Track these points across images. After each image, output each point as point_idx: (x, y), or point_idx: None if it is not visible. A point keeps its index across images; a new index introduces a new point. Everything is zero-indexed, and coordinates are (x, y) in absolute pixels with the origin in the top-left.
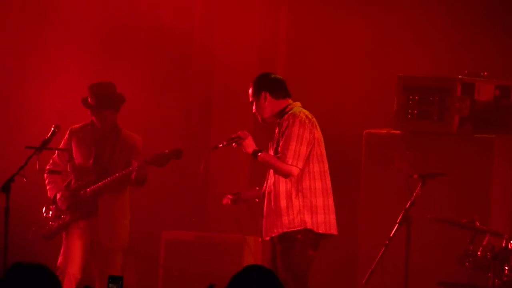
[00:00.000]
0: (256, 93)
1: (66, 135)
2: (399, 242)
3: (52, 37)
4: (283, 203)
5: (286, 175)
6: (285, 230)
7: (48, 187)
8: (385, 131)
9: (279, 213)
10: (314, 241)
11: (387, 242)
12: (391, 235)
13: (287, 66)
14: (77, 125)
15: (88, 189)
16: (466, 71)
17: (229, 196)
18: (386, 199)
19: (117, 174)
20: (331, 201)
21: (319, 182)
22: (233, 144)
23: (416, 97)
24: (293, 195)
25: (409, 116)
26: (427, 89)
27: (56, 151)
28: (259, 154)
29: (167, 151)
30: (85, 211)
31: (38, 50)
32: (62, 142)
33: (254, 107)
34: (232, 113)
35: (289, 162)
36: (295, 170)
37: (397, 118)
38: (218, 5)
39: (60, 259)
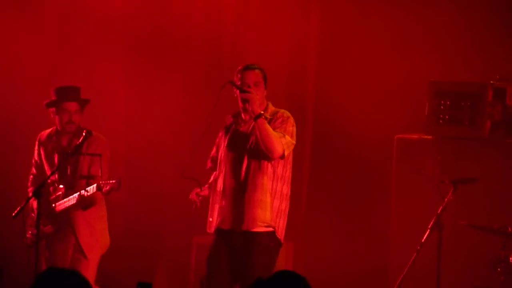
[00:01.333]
0: (264, 80)
1: (36, 145)
2: (430, 247)
3: (82, 43)
4: (267, 197)
5: (276, 152)
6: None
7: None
8: (416, 136)
9: (264, 207)
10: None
11: (418, 247)
12: (423, 240)
13: (318, 71)
14: (45, 132)
15: (57, 205)
16: (497, 76)
17: (196, 199)
18: (418, 205)
19: (77, 195)
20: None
21: (287, 188)
22: (243, 93)
23: (448, 102)
24: (273, 194)
25: (441, 121)
26: (459, 94)
27: (33, 159)
28: (261, 118)
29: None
30: (59, 225)
31: (69, 56)
32: (35, 152)
33: (253, 91)
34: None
35: (283, 143)
36: (284, 153)
37: (429, 123)
38: (248, 9)
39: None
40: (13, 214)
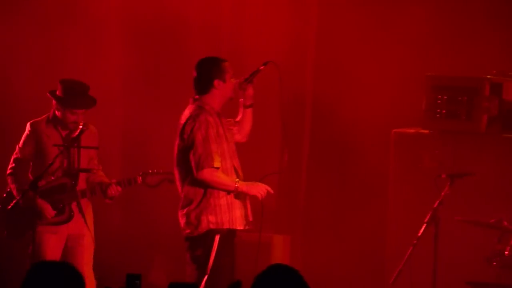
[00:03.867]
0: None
1: (28, 131)
2: (427, 241)
3: (76, 36)
4: None
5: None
6: None
7: (12, 186)
8: (413, 131)
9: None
10: None
11: (415, 241)
12: (419, 234)
13: (316, 65)
14: (38, 119)
15: (67, 197)
16: (494, 71)
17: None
18: (415, 199)
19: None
20: None
21: None
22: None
23: (445, 97)
24: None
25: (438, 115)
26: (456, 89)
27: (17, 146)
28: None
29: (161, 171)
30: (64, 219)
31: (63, 50)
32: (24, 138)
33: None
34: (259, 112)
35: None
36: None
37: (426, 118)
38: (246, 7)
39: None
40: (9, 207)
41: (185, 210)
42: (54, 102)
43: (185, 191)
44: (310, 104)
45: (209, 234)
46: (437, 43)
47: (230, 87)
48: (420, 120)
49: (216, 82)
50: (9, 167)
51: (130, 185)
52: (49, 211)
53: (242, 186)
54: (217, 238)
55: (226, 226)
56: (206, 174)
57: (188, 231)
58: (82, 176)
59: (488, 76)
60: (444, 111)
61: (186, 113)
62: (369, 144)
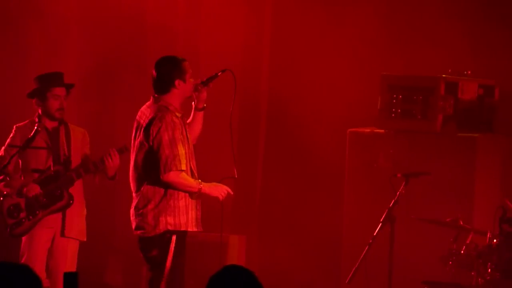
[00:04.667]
0: None
1: (13, 133)
2: (383, 241)
3: (35, 35)
4: None
5: None
6: None
7: (8, 185)
8: (369, 130)
9: None
10: None
11: (370, 241)
12: (375, 234)
13: (271, 66)
14: (22, 123)
15: (62, 182)
16: (449, 70)
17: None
18: (370, 198)
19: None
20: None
21: None
22: (208, 83)
23: (400, 96)
24: None
25: (393, 115)
26: (411, 88)
27: (3, 147)
28: None
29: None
30: (64, 204)
31: (22, 49)
32: (9, 141)
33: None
34: (214, 113)
35: None
36: None
37: (381, 117)
38: (202, 4)
39: (24, 258)
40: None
41: (140, 210)
42: (34, 101)
43: (144, 191)
44: (265, 105)
45: (166, 235)
46: (393, 42)
47: (190, 87)
48: (375, 119)
49: (177, 82)
50: None
51: (122, 153)
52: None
53: (205, 187)
54: (173, 238)
55: (183, 228)
56: (173, 176)
57: (142, 231)
58: (75, 164)
59: (444, 75)
60: (400, 110)
61: (148, 112)
62: (325, 144)
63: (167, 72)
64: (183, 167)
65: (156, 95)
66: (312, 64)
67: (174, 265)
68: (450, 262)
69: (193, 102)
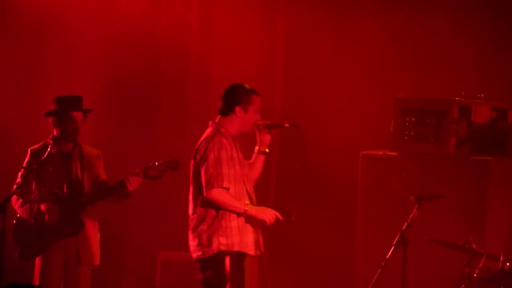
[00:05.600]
0: None
1: (28, 157)
2: (395, 264)
3: (51, 53)
4: None
5: None
6: None
7: (24, 207)
8: (381, 153)
9: None
10: None
11: (383, 264)
12: (388, 257)
13: (284, 88)
14: (37, 146)
15: (74, 208)
16: (463, 93)
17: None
18: (383, 221)
19: (110, 188)
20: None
21: None
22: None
23: (413, 119)
24: None
25: (406, 137)
26: (424, 111)
27: (21, 171)
28: None
29: (162, 161)
30: (75, 229)
31: (37, 67)
32: (25, 165)
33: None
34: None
35: None
36: None
37: (394, 140)
38: (215, 21)
39: (37, 281)
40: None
41: (196, 232)
42: (50, 120)
43: (198, 212)
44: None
45: (219, 256)
46: (405, 64)
47: (250, 120)
48: (388, 142)
49: (238, 108)
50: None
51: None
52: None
53: (251, 209)
54: (227, 259)
55: (236, 248)
56: (215, 193)
57: (199, 253)
58: (88, 189)
59: (457, 98)
60: (412, 133)
61: (203, 135)
62: (337, 166)
63: (232, 96)
64: (225, 185)
65: (216, 120)
66: (325, 86)
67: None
68: (463, 286)
69: (256, 146)
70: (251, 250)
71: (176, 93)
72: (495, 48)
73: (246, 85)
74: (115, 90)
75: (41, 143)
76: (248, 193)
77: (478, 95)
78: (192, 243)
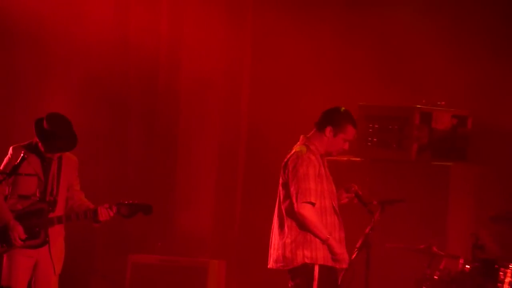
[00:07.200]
0: None
1: (10, 155)
2: (359, 267)
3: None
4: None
5: None
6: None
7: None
8: (345, 158)
9: None
10: None
11: (347, 267)
12: (351, 259)
13: (252, 90)
14: (22, 144)
15: (43, 222)
16: (424, 101)
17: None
18: (346, 225)
19: (77, 214)
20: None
21: None
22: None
23: (376, 125)
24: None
25: (369, 143)
26: (387, 118)
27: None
28: None
29: (137, 202)
30: (38, 243)
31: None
32: (6, 162)
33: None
34: (198, 136)
35: None
36: None
37: (358, 146)
38: (184, 26)
39: (5, 282)
40: None
41: (281, 243)
42: (34, 132)
43: (284, 226)
44: (245, 133)
45: (305, 267)
46: (370, 72)
47: (337, 145)
48: (351, 148)
49: (328, 129)
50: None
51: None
52: (20, 234)
53: (333, 242)
54: (316, 269)
55: (320, 261)
56: (304, 208)
57: (281, 264)
58: (61, 203)
59: (418, 106)
60: (375, 139)
61: (293, 149)
62: None
63: (330, 116)
64: (313, 200)
65: (308, 135)
66: (290, 91)
67: None
68: (424, 287)
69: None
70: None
71: (145, 97)
72: (455, 57)
73: (349, 113)
74: (86, 95)
75: (25, 144)
76: (334, 209)
77: (439, 103)
78: (275, 254)
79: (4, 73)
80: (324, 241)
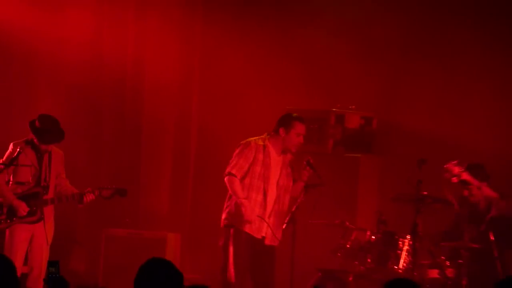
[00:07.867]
0: None
1: (11, 149)
2: (287, 238)
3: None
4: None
5: None
6: None
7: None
8: None
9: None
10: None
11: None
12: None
13: (200, 97)
14: (20, 140)
15: (39, 203)
16: (338, 105)
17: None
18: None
19: (68, 196)
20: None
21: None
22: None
23: None
24: None
25: None
26: (309, 119)
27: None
28: None
29: (114, 186)
30: (35, 219)
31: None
32: (7, 155)
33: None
34: (158, 133)
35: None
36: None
37: None
38: (146, 43)
39: (6, 251)
40: None
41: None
42: (29, 129)
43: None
44: (195, 130)
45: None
46: (296, 82)
47: (292, 140)
48: None
49: (281, 129)
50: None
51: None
52: (24, 209)
53: (246, 204)
54: (232, 231)
55: (237, 225)
56: (226, 177)
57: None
58: (52, 188)
59: (334, 109)
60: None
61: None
62: None
63: (281, 120)
64: (233, 172)
65: (271, 132)
66: (233, 98)
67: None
68: (339, 254)
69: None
70: (256, 234)
71: (116, 102)
72: (364, 69)
73: (296, 114)
74: (69, 100)
75: (24, 140)
76: (264, 190)
77: (350, 107)
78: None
79: (3, 83)
80: (240, 204)
